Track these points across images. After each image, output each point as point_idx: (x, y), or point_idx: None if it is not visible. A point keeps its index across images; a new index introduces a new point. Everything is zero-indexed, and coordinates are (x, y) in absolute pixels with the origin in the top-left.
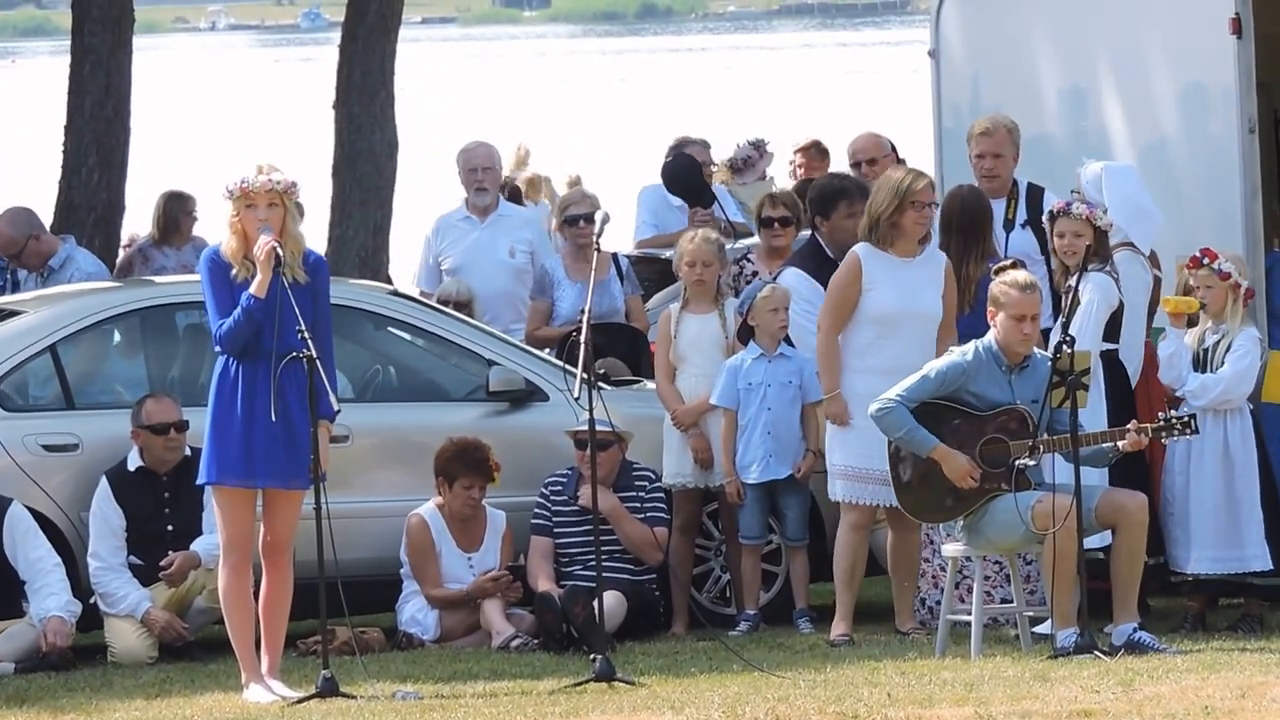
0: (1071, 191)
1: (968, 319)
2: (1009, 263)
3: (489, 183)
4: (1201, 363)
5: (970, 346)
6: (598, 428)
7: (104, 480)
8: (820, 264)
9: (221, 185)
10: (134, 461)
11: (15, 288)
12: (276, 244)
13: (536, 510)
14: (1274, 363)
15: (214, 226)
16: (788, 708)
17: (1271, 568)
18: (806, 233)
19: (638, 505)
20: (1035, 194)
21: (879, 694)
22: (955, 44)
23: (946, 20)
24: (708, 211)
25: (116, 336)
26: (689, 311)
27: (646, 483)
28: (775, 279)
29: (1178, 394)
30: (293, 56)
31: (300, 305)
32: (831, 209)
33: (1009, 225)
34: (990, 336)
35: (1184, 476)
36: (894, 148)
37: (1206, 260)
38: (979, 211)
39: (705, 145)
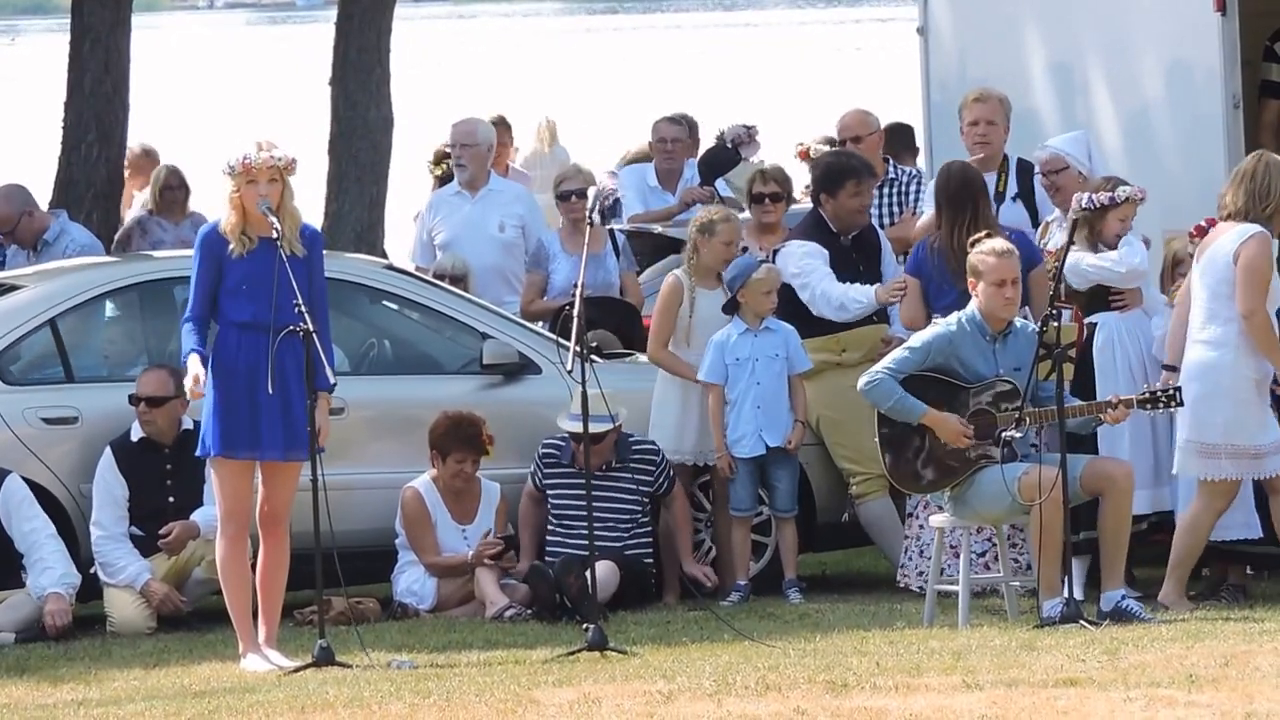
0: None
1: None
2: (982, 234)
3: (466, 159)
4: None
5: (954, 317)
6: (595, 426)
7: (108, 450)
8: (824, 238)
9: (222, 161)
10: (137, 433)
11: (1, 265)
12: (274, 217)
13: (531, 478)
14: None
15: (211, 202)
16: (778, 676)
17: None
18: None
19: (629, 478)
20: (1025, 168)
21: (868, 663)
22: (944, 21)
23: None
24: (706, 191)
25: (115, 310)
26: (705, 287)
27: (645, 455)
28: (773, 255)
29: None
30: (289, 34)
31: (297, 279)
32: (838, 187)
33: (999, 198)
34: (972, 306)
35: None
36: (885, 126)
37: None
38: (964, 185)
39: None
